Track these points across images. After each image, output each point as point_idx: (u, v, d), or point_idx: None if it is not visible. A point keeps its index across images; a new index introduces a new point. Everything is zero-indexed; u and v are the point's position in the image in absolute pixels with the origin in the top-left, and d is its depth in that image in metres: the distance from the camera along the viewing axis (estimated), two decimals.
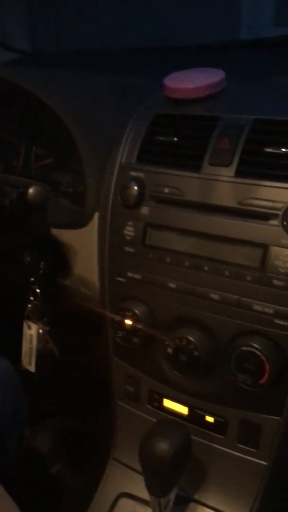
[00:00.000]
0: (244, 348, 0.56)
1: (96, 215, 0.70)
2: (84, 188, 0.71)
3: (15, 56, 1.32)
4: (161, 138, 0.64)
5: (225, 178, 0.58)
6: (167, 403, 0.69)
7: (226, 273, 0.58)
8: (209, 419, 0.65)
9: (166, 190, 0.62)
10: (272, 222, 0.55)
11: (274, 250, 0.55)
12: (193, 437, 0.62)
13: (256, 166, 0.57)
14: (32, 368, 0.77)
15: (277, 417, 0.60)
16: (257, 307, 0.56)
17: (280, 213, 0.54)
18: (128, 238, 0.65)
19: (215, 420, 0.65)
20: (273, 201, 0.55)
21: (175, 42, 1.22)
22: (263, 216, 0.56)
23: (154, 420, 0.69)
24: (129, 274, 0.65)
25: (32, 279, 0.74)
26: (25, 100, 0.83)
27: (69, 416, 1.02)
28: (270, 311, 0.55)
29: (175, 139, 0.63)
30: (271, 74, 0.82)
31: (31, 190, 0.62)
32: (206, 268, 0.59)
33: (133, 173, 0.64)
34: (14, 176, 0.83)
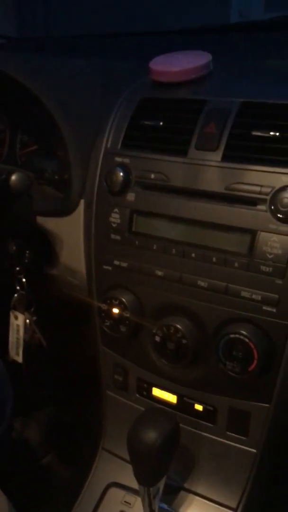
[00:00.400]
0: (232, 336, 0.55)
1: (82, 202, 0.69)
2: (69, 175, 0.69)
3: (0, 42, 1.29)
4: (146, 123, 0.63)
5: (212, 163, 0.57)
6: (156, 391, 0.68)
7: (214, 259, 0.57)
8: (198, 407, 0.65)
9: (152, 176, 0.60)
10: (260, 207, 0.54)
11: (262, 235, 0.54)
12: (182, 425, 0.62)
13: (244, 150, 0.56)
14: (19, 359, 0.76)
15: (266, 404, 0.59)
16: (245, 293, 0.55)
17: (268, 198, 0.53)
18: (114, 225, 0.64)
19: (204, 408, 0.64)
20: (261, 186, 0.54)
21: (164, 27, 1.20)
22: (251, 201, 0.55)
23: (143, 409, 0.69)
24: (116, 262, 0.64)
25: (17, 268, 0.73)
26: (9, 87, 0.81)
27: (59, 406, 1.01)
28: (258, 297, 0.55)
29: (161, 123, 0.62)
30: (260, 58, 0.80)
31: (13, 177, 0.61)
32: (193, 255, 0.58)
33: (118, 159, 0.63)
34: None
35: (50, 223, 0.73)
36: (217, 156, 0.57)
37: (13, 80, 0.78)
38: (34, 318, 0.75)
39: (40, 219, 0.73)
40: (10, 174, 0.61)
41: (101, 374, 0.74)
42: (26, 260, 0.73)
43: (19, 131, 0.86)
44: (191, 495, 0.68)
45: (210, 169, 0.57)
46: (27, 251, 0.73)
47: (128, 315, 0.63)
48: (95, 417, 0.78)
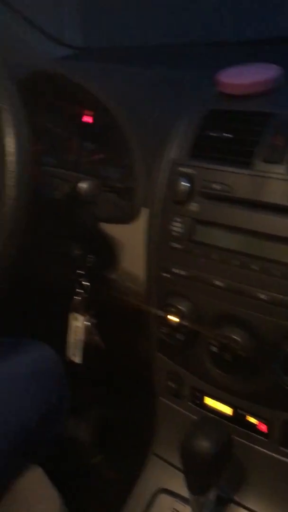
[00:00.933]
0: None
1: (144, 210, 0.70)
2: (133, 183, 0.71)
3: (68, 52, 1.34)
4: (212, 134, 0.63)
5: (277, 175, 0.57)
6: (209, 401, 0.68)
7: (275, 272, 0.56)
8: (251, 419, 0.64)
9: (216, 187, 0.61)
10: None
11: None
12: (234, 437, 0.62)
13: None
14: (77, 359, 0.78)
15: None
16: None
17: None
18: (175, 234, 0.64)
19: (257, 421, 0.64)
20: None
21: (229, 37, 1.20)
22: None
23: (195, 417, 0.69)
24: (175, 270, 0.65)
25: (79, 271, 0.75)
26: (77, 95, 0.85)
27: (111, 408, 1.03)
28: None
29: (227, 135, 0.62)
30: None
31: (83, 185, 0.63)
32: (254, 267, 0.58)
33: (183, 169, 0.64)
34: (65, 170, 0.84)
35: (112, 229, 0.75)
36: (282, 169, 0.57)
37: (81, 89, 0.81)
38: (94, 320, 0.77)
39: (103, 225, 0.75)
40: (79, 181, 0.64)
41: (155, 380, 0.75)
42: (89, 264, 0.75)
43: (85, 139, 0.89)
44: (241, 508, 0.67)
45: (275, 181, 0.57)
46: (90, 256, 0.75)
47: (185, 323, 0.63)
48: (146, 421, 0.79)
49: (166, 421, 0.75)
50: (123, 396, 0.93)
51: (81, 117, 0.89)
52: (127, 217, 0.72)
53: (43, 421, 0.72)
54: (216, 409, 0.67)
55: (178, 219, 0.64)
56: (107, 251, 0.76)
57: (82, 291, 0.76)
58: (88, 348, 0.78)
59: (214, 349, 0.61)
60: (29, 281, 0.74)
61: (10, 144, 0.56)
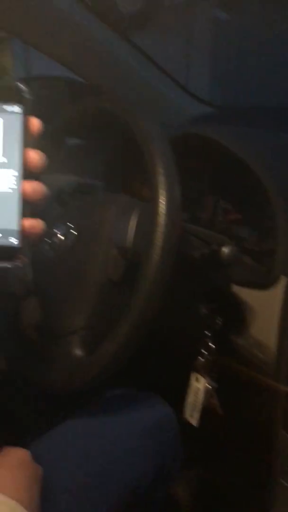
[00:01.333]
0: None
1: (283, 278, 0.68)
2: (274, 247, 0.69)
3: (207, 110, 1.38)
4: None
5: None
6: None
7: None
8: None
9: None
10: None
11: None
12: None
13: None
14: (194, 421, 0.76)
15: None
16: None
17: None
18: None
19: None
20: None
21: None
22: None
23: None
24: None
25: (206, 332, 0.74)
26: (215, 155, 0.86)
27: (222, 478, 0.98)
28: None
29: None
30: None
31: (226, 250, 0.63)
32: None
33: None
34: (199, 227, 0.85)
35: (245, 293, 0.73)
36: None
37: (224, 149, 0.82)
38: (215, 384, 0.75)
39: (235, 288, 0.74)
40: (221, 245, 0.64)
41: (275, 458, 0.70)
42: (217, 326, 0.73)
43: (221, 197, 0.89)
44: None
45: None
46: (219, 318, 0.74)
47: None
48: (257, 499, 0.74)
49: (285, 506, 0.69)
50: (234, 466, 0.88)
51: (219, 175, 0.90)
52: (264, 283, 0.69)
53: (154, 481, 0.70)
54: None
55: None
56: (237, 315, 0.74)
57: (207, 352, 0.74)
58: (206, 411, 0.76)
59: None
60: (155, 334, 0.74)
61: (162, 206, 0.57)
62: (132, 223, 0.64)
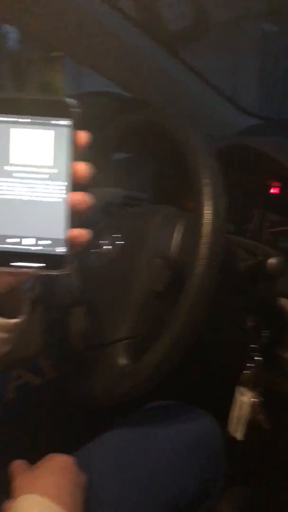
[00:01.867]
0: None
1: None
2: None
3: (253, 121, 1.37)
4: None
5: None
6: None
7: None
8: None
9: None
10: None
11: None
12: None
13: None
14: (238, 436, 0.74)
15: None
16: None
17: None
18: None
19: None
20: None
21: None
22: None
23: None
24: None
25: (252, 345, 0.73)
26: (265, 167, 0.85)
27: (267, 496, 0.95)
28: None
29: None
30: None
31: (273, 261, 0.62)
32: None
33: None
34: (245, 239, 0.84)
35: None
36: None
37: (269, 160, 0.81)
38: (261, 398, 0.73)
39: (283, 301, 0.73)
40: (267, 256, 0.63)
41: None
42: (263, 339, 0.72)
43: (268, 209, 0.88)
44: None
45: None
46: (265, 331, 0.72)
47: None
48: None
49: None
50: (279, 484, 0.86)
51: (266, 187, 0.89)
52: None
53: (197, 497, 0.69)
54: None
55: None
56: (284, 328, 0.72)
57: (253, 365, 0.73)
58: (252, 426, 0.74)
59: None
60: (200, 346, 0.74)
61: (207, 216, 0.57)
62: (177, 234, 0.64)
